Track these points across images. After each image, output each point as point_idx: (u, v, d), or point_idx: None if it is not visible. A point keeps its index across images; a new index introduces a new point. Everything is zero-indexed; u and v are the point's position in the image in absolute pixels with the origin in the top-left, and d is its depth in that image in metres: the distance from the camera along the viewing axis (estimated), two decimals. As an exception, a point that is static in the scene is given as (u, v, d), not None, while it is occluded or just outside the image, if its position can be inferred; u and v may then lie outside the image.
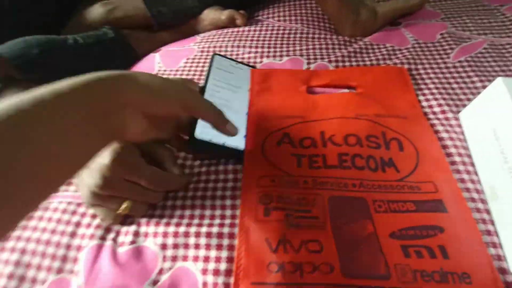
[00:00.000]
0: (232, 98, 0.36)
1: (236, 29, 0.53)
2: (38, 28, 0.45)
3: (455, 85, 0.38)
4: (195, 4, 0.54)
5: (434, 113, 0.35)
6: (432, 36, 0.45)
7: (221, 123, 0.27)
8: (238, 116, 0.32)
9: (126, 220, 0.29)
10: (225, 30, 0.53)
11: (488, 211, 0.27)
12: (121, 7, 0.53)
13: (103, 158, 0.25)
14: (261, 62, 0.46)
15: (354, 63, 0.43)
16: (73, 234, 0.28)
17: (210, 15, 0.55)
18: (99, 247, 0.27)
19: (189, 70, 0.46)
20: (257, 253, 0.25)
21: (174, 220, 0.28)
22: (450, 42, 0.43)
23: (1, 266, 0.27)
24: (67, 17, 0.53)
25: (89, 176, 0.25)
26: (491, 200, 0.28)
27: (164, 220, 0.28)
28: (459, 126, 0.34)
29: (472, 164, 0.31)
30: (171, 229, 0.28)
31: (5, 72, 0.29)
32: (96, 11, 0.53)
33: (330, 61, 0.43)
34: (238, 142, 0.32)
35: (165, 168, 0.30)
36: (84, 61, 0.47)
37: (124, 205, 0.26)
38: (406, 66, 0.41)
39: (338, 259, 0.24)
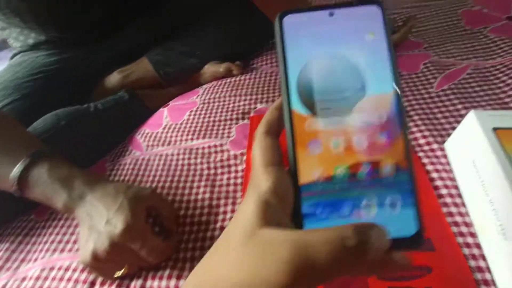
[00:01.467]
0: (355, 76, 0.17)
1: (233, 79, 0.58)
2: (69, 100, 0.54)
3: (439, 115, 0.39)
4: (196, 61, 0.61)
5: (419, 145, 0.36)
6: (416, 67, 0.47)
7: None
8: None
9: (134, 275, 0.32)
10: (224, 81, 0.59)
11: (478, 245, 0.27)
12: (134, 72, 0.61)
13: (115, 226, 0.28)
14: (255, 107, 0.50)
15: (340, 102, 0.45)
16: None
17: (210, 68, 0.61)
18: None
19: (192, 122, 0.51)
20: None
21: (175, 273, 0.31)
22: (433, 71, 0.45)
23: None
24: (92, 86, 0.62)
25: (97, 241, 0.29)
26: (480, 234, 0.28)
27: (167, 273, 0.31)
28: (445, 156, 0.34)
29: (460, 196, 0.31)
30: (173, 282, 0.30)
31: (35, 148, 0.34)
32: (113, 78, 0.61)
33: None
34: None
35: (165, 224, 0.34)
36: (104, 122, 0.54)
37: (123, 269, 0.30)
38: (390, 100, 0.43)
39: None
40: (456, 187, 0.32)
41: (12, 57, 0.61)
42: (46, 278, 0.33)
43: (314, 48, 0.18)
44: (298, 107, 0.17)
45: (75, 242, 0.36)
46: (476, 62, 0.44)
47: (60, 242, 0.37)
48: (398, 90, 0.17)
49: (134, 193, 0.32)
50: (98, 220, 0.30)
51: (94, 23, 0.57)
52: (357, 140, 0.17)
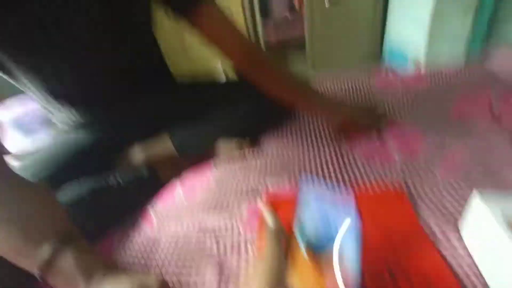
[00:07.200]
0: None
1: (245, 160, 0.62)
2: (95, 169, 0.58)
3: (449, 198, 0.40)
4: (211, 139, 0.66)
5: (433, 233, 0.36)
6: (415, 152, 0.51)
7: None
8: None
9: None
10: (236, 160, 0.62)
11: None
12: (155, 149, 0.67)
13: None
14: (267, 189, 0.50)
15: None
16: None
17: (224, 148, 0.66)
18: None
19: (206, 200, 0.52)
20: None
21: None
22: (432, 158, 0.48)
23: None
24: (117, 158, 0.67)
25: None
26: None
27: None
28: (460, 240, 0.33)
29: (485, 285, 0.29)
30: None
31: (65, 227, 0.35)
32: (136, 155, 0.67)
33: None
34: None
35: None
36: (123, 196, 0.57)
37: None
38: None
39: None
40: (477, 275, 0.30)
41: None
42: None
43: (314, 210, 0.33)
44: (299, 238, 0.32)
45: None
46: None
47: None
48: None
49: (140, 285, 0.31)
50: None
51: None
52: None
